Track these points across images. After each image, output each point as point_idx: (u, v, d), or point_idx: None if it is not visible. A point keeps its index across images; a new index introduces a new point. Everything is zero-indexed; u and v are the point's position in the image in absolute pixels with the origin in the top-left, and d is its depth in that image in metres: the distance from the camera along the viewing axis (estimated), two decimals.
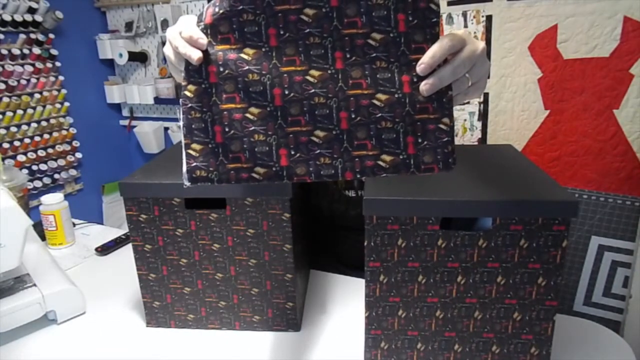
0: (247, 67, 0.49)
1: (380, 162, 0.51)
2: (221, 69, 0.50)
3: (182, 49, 0.50)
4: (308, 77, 0.49)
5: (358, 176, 0.51)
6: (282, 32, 0.48)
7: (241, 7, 0.48)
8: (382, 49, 0.49)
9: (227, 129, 0.50)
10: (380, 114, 0.49)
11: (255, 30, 0.49)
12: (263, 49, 0.49)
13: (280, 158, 0.50)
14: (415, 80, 0.49)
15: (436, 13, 0.48)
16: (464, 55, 0.50)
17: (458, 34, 0.50)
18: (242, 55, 0.49)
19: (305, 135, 0.50)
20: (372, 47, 0.49)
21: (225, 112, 0.50)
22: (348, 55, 0.49)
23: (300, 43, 0.49)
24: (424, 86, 0.49)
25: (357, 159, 0.50)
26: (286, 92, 0.49)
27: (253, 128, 0.50)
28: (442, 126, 0.50)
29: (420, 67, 0.49)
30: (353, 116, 0.49)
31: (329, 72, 0.49)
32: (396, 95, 0.49)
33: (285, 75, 0.49)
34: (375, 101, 0.49)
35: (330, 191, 1.12)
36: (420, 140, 0.50)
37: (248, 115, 0.50)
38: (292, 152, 0.50)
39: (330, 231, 1.18)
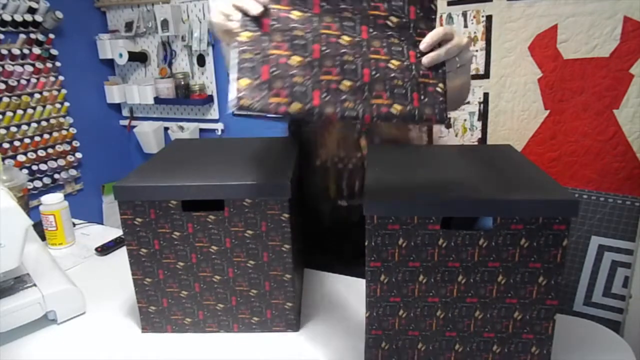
0: (294, 25, 0.62)
1: (392, 110, 0.63)
2: (273, 23, 0.62)
3: (245, 3, 0.63)
4: (340, 40, 0.63)
5: (375, 119, 0.63)
6: (323, 4, 0.63)
7: None
8: (397, 29, 0.65)
9: (272, 70, 0.61)
10: (393, 74, 0.64)
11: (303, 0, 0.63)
12: (307, 14, 0.63)
13: (313, 98, 0.61)
14: (418, 55, 0.66)
15: (435, 11, 0.67)
16: (454, 42, 0.70)
17: (449, 27, 0.71)
18: (291, 15, 0.63)
19: (335, 83, 0.62)
20: (389, 27, 0.65)
21: (272, 56, 0.61)
22: (371, 30, 0.64)
23: (337, 14, 0.63)
24: (425, 59, 0.66)
25: (374, 106, 0.62)
26: (323, 48, 0.62)
27: (294, 72, 0.61)
28: (438, 89, 0.66)
29: (423, 45, 0.67)
30: (373, 73, 0.63)
31: (356, 39, 0.63)
32: (405, 63, 0.65)
33: (323, 35, 0.62)
34: (390, 65, 0.64)
35: (324, 199, 1.15)
36: (422, 97, 0.65)
37: (291, 61, 0.61)
38: (324, 95, 0.61)
39: (326, 233, 1.19)
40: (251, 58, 0.61)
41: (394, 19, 0.65)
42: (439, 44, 0.68)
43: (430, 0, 0.66)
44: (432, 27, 0.67)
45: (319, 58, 0.62)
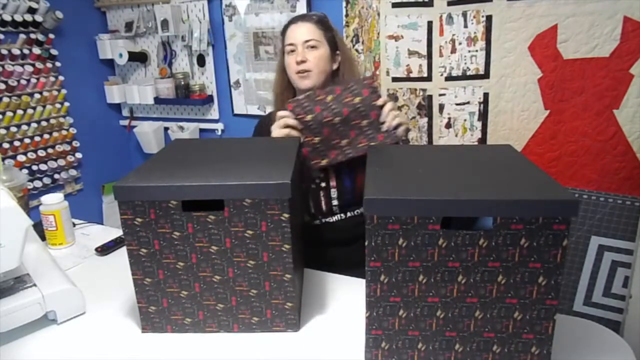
0: (310, 123, 1.18)
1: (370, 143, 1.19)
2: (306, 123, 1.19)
3: (287, 131, 1.19)
4: (336, 127, 1.19)
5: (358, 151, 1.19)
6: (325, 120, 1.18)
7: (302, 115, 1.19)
8: (368, 126, 1.18)
9: (315, 142, 1.20)
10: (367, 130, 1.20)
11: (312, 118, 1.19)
12: (313, 121, 1.18)
13: (332, 154, 1.21)
14: (386, 135, 1.19)
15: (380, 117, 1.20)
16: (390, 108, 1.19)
17: (390, 104, 1.19)
18: (307, 119, 1.18)
19: (338, 143, 1.21)
20: (363, 126, 1.19)
21: (307, 140, 1.19)
22: (357, 131, 1.19)
23: (332, 123, 1.17)
24: (392, 121, 1.18)
25: (359, 145, 1.19)
26: (327, 131, 1.18)
27: (318, 146, 1.20)
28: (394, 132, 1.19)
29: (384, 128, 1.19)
30: (357, 131, 1.19)
31: (346, 130, 1.19)
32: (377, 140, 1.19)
33: (325, 128, 1.18)
34: (368, 135, 1.20)
35: (316, 214, 1.33)
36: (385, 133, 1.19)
37: (314, 141, 1.20)
38: (334, 151, 1.20)
39: (319, 246, 1.30)
40: (310, 139, 1.20)
41: (365, 122, 1.18)
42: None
43: (379, 109, 1.17)
44: (380, 111, 1.18)
45: (328, 135, 1.19)
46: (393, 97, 1.82)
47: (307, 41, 1.34)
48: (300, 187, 1.25)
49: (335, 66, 1.40)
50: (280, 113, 1.20)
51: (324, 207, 1.32)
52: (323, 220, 1.33)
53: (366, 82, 1.19)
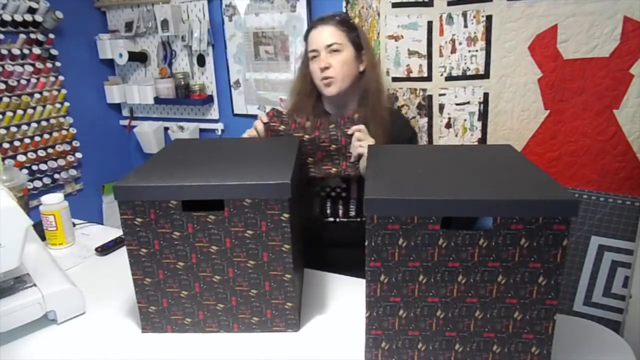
0: (282, 133, 1.22)
1: (332, 170, 1.23)
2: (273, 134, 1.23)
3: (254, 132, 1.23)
4: (304, 144, 1.20)
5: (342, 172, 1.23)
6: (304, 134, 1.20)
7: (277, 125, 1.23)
8: (335, 152, 1.21)
9: None
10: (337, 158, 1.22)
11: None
12: (284, 132, 1.22)
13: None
14: (349, 164, 1.22)
15: (350, 135, 1.19)
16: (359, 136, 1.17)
17: (358, 133, 1.18)
18: (279, 128, 1.22)
19: (304, 160, 1.22)
20: (330, 150, 1.20)
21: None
22: (324, 154, 1.21)
23: (301, 139, 1.17)
24: (355, 150, 1.18)
25: (324, 167, 1.22)
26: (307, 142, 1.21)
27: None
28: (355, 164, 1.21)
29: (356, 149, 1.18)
30: (324, 154, 1.22)
31: (314, 149, 1.20)
32: (340, 167, 1.23)
33: (297, 137, 1.19)
34: (334, 161, 1.23)
35: (315, 216, 1.33)
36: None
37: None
38: (308, 159, 1.22)
39: (315, 247, 1.27)
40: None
41: (334, 146, 1.19)
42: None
43: (349, 137, 1.18)
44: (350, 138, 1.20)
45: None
46: (393, 97, 1.82)
47: (329, 45, 1.30)
48: (307, 188, 1.29)
49: (362, 67, 1.36)
50: (260, 114, 1.25)
51: (340, 214, 1.32)
52: (337, 220, 1.32)
53: (347, 114, 1.22)
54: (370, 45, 1.42)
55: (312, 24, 1.38)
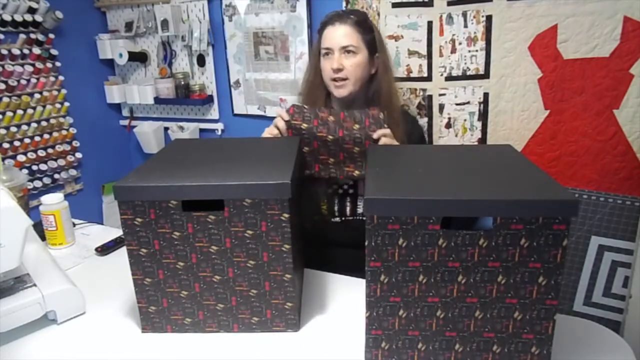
0: (304, 132, 1.16)
1: (354, 173, 1.20)
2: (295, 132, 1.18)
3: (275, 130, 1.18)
4: (327, 144, 1.18)
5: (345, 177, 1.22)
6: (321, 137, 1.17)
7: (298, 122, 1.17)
8: (359, 155, 1.17)
9: (303, 150, 1.18)
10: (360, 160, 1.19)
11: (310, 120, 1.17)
12: (307, 131, 1.16)
13: (315, 166, 1.20)
14: (364, 162, 1.17)
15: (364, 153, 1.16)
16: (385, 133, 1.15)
17: (384, 139, 1.15)
18: (302, 126, 1.16)
19: (325, 160, 1.20)
20: (354, 152, 1.17)
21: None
22: (346, 155, 1.18)
23: (324, 139, 1.16)
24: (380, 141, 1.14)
25: (346, 169, 1.20)
26: (317, 145, 1.17)
27: (307, 152, 1.19)
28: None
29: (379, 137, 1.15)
30: (346, 155, 1.18)
31: (336, 150, 1.17)
32: (363, 170, 1.18)
33: (315, 141, 1.17)
34: (354, 150, 1.18)
35: (319, 216, 1.30)
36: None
37: (304, 149, 1.18)
38: (318, 165, 1.20)
39: (321, 247, 1.28)
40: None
41: (357, 149, 1.16)
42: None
43: (374, 142, 1.14)
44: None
45: (317, 148, 1.17)
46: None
47: (344, 47, 1.27)
48: (312, 186, 1.26)
49: (373, 70, 1.34)
50: (278, 111, 1.18)
51: (348, 211, 1.30)
52: (343, 219, 1.30)
53: (372, 112, 1.18)
54: (385, 47, 1.39)
55: (329, 19, 1.33)
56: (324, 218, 1.31)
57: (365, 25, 1.32)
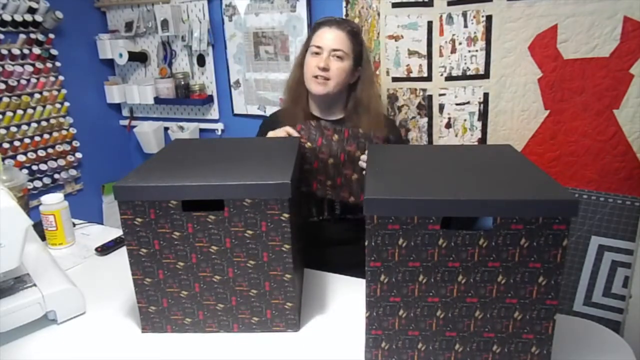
0: (306, 150, 1.22)
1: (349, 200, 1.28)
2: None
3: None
4: (326, 166, 1.25)
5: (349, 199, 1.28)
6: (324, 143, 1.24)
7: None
8: (356, 182, 1.21)
9: (303, 168, 1.20)
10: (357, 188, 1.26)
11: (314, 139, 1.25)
12: (309, 150, 1.22)
13: (314, 184, 1.25)
14: (359, 190, 1.25)
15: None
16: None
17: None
18: (306, 145, 1.23)
19: (324, 181, 1.25)
20: (351, 179, 1.23)
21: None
22: (343, 180, 1.22)
23: (324, 161, 1.22)
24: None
25: (341, 194, 1.27)
26: (317, 165, 1.22)
27: (305, 170, 1.24)
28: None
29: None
30: (344, 181, 1.23)
31: (335, 174, 1.23)
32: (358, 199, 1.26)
33: (316, 161, 1.23)
34: (354, 190, 1.27)
35: (311, 215, 1.34)
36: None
37: (304, 166, 1.22)
38: (316, 184, 1.24)
39: (318, 246, 1.28)
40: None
41: (355, 176, 1.21)
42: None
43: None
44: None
45: (317, 168, 1.22)
46: (393, 97, 1.82)
47: (335, 50, 1.31)
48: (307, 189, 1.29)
49: (352, 80, 1.39)
50: (288, 129, 1.24)
51: (325, 213, 1.34)
52: (342, 216, 1.34)
53: (376, 140, 1.24)
54: (370, 64, 1.45)
55: (325, 21, 1.38)
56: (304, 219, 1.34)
57: (357, 38, 1.38)
